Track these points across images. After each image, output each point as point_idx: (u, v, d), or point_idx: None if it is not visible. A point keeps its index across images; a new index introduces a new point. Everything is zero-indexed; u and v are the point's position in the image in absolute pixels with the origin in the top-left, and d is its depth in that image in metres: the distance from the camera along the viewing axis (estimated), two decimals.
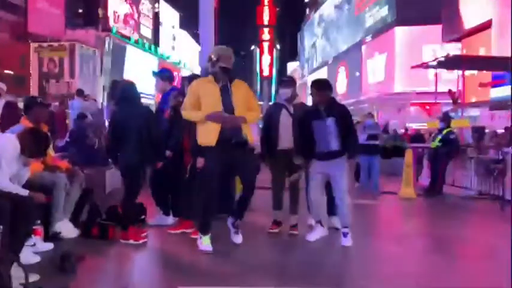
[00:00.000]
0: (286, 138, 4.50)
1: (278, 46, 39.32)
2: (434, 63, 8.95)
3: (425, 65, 9.98)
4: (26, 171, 3.63)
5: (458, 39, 17.70)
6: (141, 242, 4.12)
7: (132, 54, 23.41)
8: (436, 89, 9.36)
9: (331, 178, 4.32)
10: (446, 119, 7.95)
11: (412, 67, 11.13)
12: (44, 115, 4.36)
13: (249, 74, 36.97)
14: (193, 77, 4.84)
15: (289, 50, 39.97)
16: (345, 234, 4.26)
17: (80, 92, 9.36)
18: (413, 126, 16.25)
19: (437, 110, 17.75)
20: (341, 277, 3.57)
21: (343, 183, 4.29)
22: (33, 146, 3.47)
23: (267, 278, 3.39)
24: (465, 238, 5.06)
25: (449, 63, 9.58)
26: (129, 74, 22.85)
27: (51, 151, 4.43)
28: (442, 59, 9.43)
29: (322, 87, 4.45)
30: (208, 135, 3.91)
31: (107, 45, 22.01)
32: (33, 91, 19.51)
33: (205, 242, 3.95)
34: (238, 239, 4.14)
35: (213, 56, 4.04)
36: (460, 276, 3.62)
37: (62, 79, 20.12)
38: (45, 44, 20.03)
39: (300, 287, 3.19)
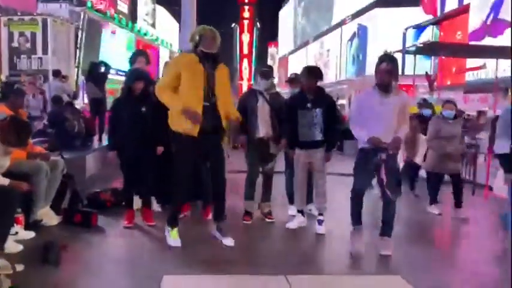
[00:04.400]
0: (264, 127, 4.50)
1: (258, 24, 38.81)
2: (413, 48, 9.05)
3: (404, 51, 10.09)
4: (6, 160, 3.57)
5: (436, 23, 17.93)
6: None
7: (108, 30, 22.71)
8: (414, 72, 9.50)
9: (312, 165, 4.42)
10: (426, 105, 7.96)
11: (393, 52, 11.21)
12: (20, 102, 4.27)
13: (229, 52, 36.47)
14: None
15: (270, 29, 39.48)
16: (320, 222, 4.38)
17: (56, 73, 9.08)
18: None
19: (412, 93, 18.10)
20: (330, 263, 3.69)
21: (323, 167, 4.41)
22: (14, 135, 3.41)
23: (253, 265, 3.47)
24: (430, 222, 5.23)
25: (427, 49, 9.71)
26: (105, 50, 22.27)
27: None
28: (421, 45, 9.55)
29: (313, 75, 4.44)
30: (186, 123, 3.61)
31: (81, 20, 21.28)
32: (4, 67, 18.80)
33: (173, 236, 3.77)
34: (228, 241, 3.85)
35: (195, 37, 3.67)
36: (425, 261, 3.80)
37: (34, 55, 19.46)
38: (15, 18, 19.20)
39: (292, 274, 3.25)
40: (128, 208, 4.44)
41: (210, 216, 4.47)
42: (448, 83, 17.34)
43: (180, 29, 8.84)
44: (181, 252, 3.74)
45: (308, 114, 4.30)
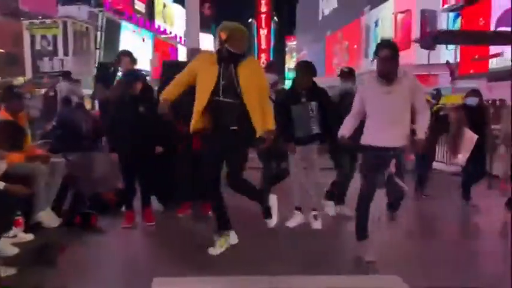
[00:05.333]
0: None
1: (276, 18, 38.58)
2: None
3: (417, 41, 9.80)
4: (2, 164, 3.63)
5: (458, 9, 17.30)
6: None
7: (127, 30, 23.04)
8: (428, 61, 9.22)
9: (307, 161, 4.32)
10: (437, 95, 7.83)
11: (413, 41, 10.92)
12: (20, 106, 4.34)
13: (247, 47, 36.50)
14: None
15: (288, 23, 39.23)
16: (315, 217, 4.30)
17: (66, 75, 9.23)
18: None
19: (434, 82, 17.58)
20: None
21: (318, 166, 4.34)
22: (9, 140, 3.46)
23: (248, 266, 3.41)
24: (444, 217, 5.09)
25: (438, 38, 9.39)
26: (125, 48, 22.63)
27: (29, 140, 4.42)
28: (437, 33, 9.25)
29: (308, 71, 4.37)
30: (198, 120, 3.51)
31: (99, 21, 21.66)
32: (27, 69, 19.38)
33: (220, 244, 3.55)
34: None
35: (222, 34, 3.42)
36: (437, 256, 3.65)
37: (55, 57, 19.93)
38: (37, 21, 19.74)
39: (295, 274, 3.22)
40: (127, 208, 4.46)
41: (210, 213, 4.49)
42: (471, 71, 16.75)
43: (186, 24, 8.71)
44: (177, 253, 3.72)
45: (304, 109, 4.20)
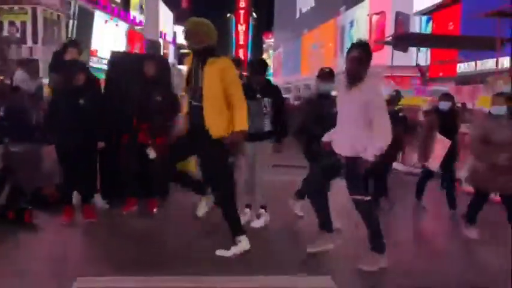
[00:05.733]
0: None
1: (254, 14, 38.46)
2: (389, 39, 8.84)
3: (383, 42, 9.88)
4: None
5: (429, 13, 17.61)
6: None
7: (100, 20, 22.54)
8: (392, 62, 9.30)
9: (256, 157, 4.26)
10: (396, 97, 7.88)
11: (376, 42, 11.04)
12: None
13: (224, 42, 36.25)
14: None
15: (266, 19, 39.18)
16: (258, 216, 4.28)
17: (21, 63, 8.84)
18: None
19: (406, 83, 17.82)
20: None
21: (267, 164, 4.32)
22: None
23: (181, 266, 3.34)
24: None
25: (403, 41, 9.49)
26: (97, 41, 22.08)
27: None
28: (398, 36, 9.34)
29: (260, 68, 4.34)
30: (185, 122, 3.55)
31: (72, 9, 21.11)
32: None
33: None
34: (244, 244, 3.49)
35: (185, 30, 3.41)
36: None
37: (24, 44, 19.32)
38: (5, 7, 19.09)
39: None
40: (66, 204, 4.31)
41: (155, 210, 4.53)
42: (440, 74, 17.08)
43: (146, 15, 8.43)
44: (102, 252, 3.63)
45: (258, 105, 4.15)
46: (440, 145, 4.98)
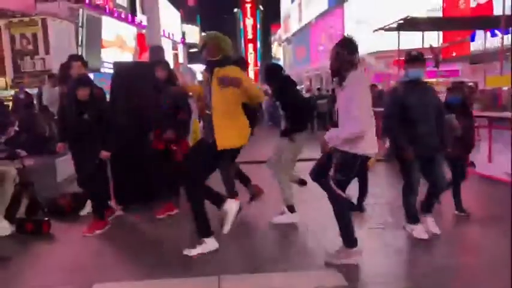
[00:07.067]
0: None
1: (261, 7, 38.17)
2: (395, 25, 8.69)
3: (386, 28, 9.70)
4: None
5: None
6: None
7: (108, 25, 22.78)
8: (398, 47, 9.11)
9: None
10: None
11: (374, 31, 10.85)
12: None
13: (233, 38, 36.24)
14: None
15: (273, 11, 38.88)
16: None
17: (50, 77, 8.77)
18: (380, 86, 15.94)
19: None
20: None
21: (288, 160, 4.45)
22: None
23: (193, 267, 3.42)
24: None
25: (409, 25, 9.29)
26: (107, 46, 22.36)
27: None
28: (401, 21, 9.16)
29: (268, 75, 4.56)
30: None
31: (80, 18, 21.38)
32: (8, 70, 19.16)
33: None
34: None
35: (199, 43, 3.59)
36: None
37: (36, 56, 19.68)
38: (15, 20, 19.44)
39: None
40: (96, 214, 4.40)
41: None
42: (454, 54, 16.70)
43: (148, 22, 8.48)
44: (126, 258, 3.72)
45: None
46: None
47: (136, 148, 4.86)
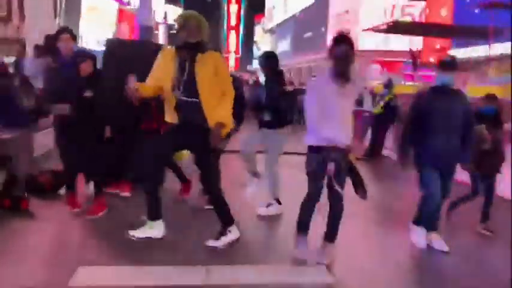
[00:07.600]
0: None
1: None
2: (384, 27, 8.82)
3: (375, 29, 9.84)
4: None
5: None
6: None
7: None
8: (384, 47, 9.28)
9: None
10: (388, 85, 7.99)
11: (363, 30, 10.98)
12: None
13: (215, 23, 35.63)
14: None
15: (258, 1, 38.47)
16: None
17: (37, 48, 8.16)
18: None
19: (396, 68, 17.82)
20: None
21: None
22: None
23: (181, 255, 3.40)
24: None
25: (397, 28, 9.48)
26: (86, 19, 21.61)
27: None
28: (391, 23, 9.32)
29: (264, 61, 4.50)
30: (168, 112, 3.41)
31: None
32: None
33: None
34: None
35: (176, 24, 3.34)
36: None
37: (10, 22, 18.79)
38: None
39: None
40: (69, 191, 4.27)
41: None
42: (431, 60, 17.09)
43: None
44: (107, 240, 3.65)
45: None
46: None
47: (127, 129, 4.74)
